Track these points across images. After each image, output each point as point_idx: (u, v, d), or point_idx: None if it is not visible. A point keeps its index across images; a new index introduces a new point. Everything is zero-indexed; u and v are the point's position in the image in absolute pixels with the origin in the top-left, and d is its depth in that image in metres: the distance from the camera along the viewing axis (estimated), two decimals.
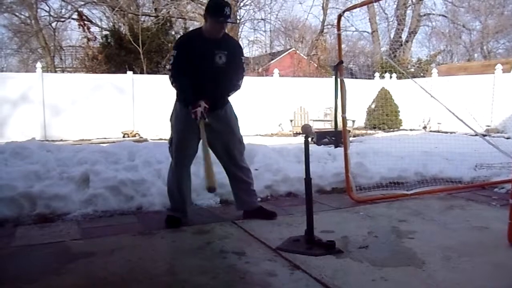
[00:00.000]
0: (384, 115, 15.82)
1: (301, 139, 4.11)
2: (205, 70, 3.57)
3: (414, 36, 28.63)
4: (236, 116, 3.85)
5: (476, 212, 4.06)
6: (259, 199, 4.51)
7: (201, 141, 3.54)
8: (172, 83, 3.62)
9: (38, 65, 14.31)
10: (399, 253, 2.98)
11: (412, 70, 21.82)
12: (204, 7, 22.62)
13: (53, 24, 24.95)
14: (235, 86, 3.71)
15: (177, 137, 3.72)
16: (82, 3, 22.82)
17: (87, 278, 2.62)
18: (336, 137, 4.28)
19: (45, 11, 24.88)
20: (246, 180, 3.90)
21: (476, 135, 5.44)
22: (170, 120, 3.80)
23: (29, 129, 12.72)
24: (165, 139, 4.02)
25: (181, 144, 3.71)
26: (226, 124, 3.75)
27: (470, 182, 5.35)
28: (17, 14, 25.40)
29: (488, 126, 13.66)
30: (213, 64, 3.56)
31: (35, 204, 3.99)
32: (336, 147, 4.35)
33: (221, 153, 3.83)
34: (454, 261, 2.80)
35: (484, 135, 7.34)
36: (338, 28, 5.02)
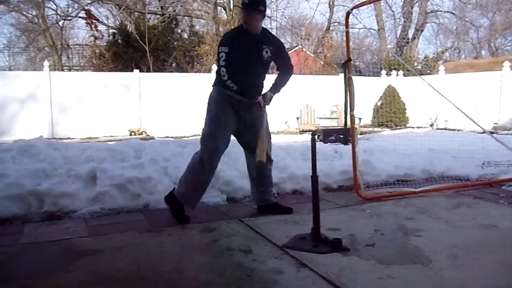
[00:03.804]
0: (391, 112, 15.75)
1: (307, 137, 4.12)
2: (253, 64, 3.73)
3: (421, 33, 28.53)
4: (266, 112, 3.96)
5: (484, 210, 4.04)
6: None
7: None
8: (226, 80, 3.63)
9: (46, 63, 14.38)
10: (406, 251, 2.97)
11: (419, 67, 21.71)
12: (209, 5, 22.49)
13: (60, 23, 25.07)
14: (284, 85, 3.92)
15: (211, 131, 3.71)
16: (89, 1, 22.94)
17: (94, 275, 2.63)
18: (345, 134, 4.28)
19: (52, 9, 25.00)
20: (267, 175, 4.02)
21: (483, 132, 5.41)
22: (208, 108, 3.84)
23: (37, 127, 12.79)
24: (171, 137, 4.03)
25: (216, 133, 3.71)
26: (261, 119, 3.87)
27: (477, 180, 5.32)
28: (24, 13, 25.52)
29: (496, 123, 13.57)
30: (261, 57, 3.75)
31: (43, 202, 4.02)
32: (345, 144, 4.34)
33: (251, 146, 3.88)
34: (461, 259, 2.79)
35: (492, 133, 7.29)
36: (347, 26, 4.99)
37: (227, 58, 3.60)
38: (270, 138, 4.03)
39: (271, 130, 4.06)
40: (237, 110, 3.76)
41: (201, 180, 3.80)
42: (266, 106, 3.86)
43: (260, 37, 3.78)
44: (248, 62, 3.70)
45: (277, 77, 3.93)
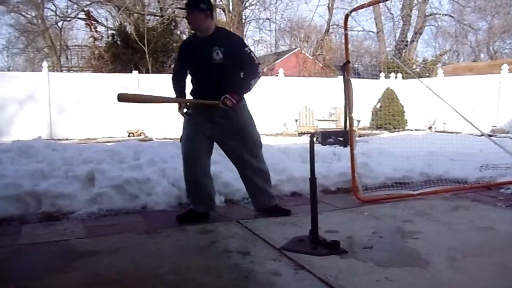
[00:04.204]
0: (389, 115, 15.77)
1: (306, 139, 4.12)
2: (204, 67, 3.65)
3: (420, 36, 28.59)
4: (250, 116, 3.85)
5: (482, 213, 4.04)
6: None
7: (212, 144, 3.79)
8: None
9: (44, 64, 14.38)
10: (404, 254, 2.97)
11: (418, 70, 21.74)
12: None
13: (60, 24, 25.11)
14: (248, 85, 3.68)
15: (184, 135, 3.80)
16: (88, 2, 22.95)
17: (92, 277, 2.62)
18: (344, 137, 4.28)
19: (52, 10, 25.05)
20: (256, 183, 3.89)
21: (482, 135, 5.42)
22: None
23: (35, 128, 12.78)
24: (170, 139, 4.06)
25: (187, 142, 3.76)
26: (237, 125, 3.75)
27: (475, 182, 5.32)
28: (23, 13, 25.57)
29: (494, 126, 13.59)
30: (211, 60, 3.59)
31: (41, 203, 4.01)
32: (345, 147, 4.34)
33: (232, 154, 3.85)
34: (459, 262, 2.79)
35: (490, 136, 7.31)
36: (345, 28, 5.00)
37: (174, 64, 3.70)
38: (254, 145, 3.86)
39: (270, 131, 4.04)
40: (208, 114, 3.70)
41: (188, 184, 3.86)
42: (246, 111, 3.79)
43: (211, 38, 3.64)
44: (199, 65, 3.67)
45: (241, 79, 3.74)
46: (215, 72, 3.63)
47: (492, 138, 6.08)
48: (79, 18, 24.20)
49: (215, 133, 3.75)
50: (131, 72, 15.37)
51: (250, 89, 3.70)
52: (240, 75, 3.74)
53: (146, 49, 18.32)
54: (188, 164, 3.77)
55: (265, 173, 3.96)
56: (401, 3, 27.71)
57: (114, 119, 13.97)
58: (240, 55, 3.65)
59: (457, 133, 12.87)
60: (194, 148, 3.75)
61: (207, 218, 3.84)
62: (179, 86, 3.87)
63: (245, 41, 3.94)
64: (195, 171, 3.78)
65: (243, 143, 3.78)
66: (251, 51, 3.75)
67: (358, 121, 13.36)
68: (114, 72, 17.33)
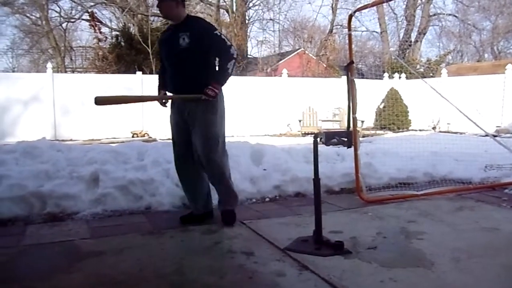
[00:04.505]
0: (393, 115, 15.73)
1: (309, 139, 4.11)
2: (171, 54, 3.62)
3: (424, 36, 28.53)
4: (217, 114, 3.61)
5: (486, 213, 4.03)
6: (267, 199, 4.56)
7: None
8: None
9: (49, 65, 14.43)
10: (408, 254, 2.97)
11: (422, 70, 21.69)
12: (212, 8, 22.49)
13: (64, 25, 25.18)
14: (225, 70, 3.49)
15: (172, 138, 3.83)
16: (92, 4, 23.02)
17: (96, 277, 2.63)
18: (348, 137, 4.26)
19: (56, 12, 25.16)
20: (208, 184, 3.85)
21: (486, 135, 5.40)
22: None
23: (40, 129, 12.82)
24: None
25: (173, 140, 3.82)
26: (201, 124, 3.56)
27: (480, 183, 5.31)
28: (28, 15, 25.64)
29: (499, 126, 13.54)
30: (178, 47, 3.51)
31: (45, 203, 4.03)
32: (348, 147, 4.34)
33: (196, 152, 3.68)
34: (464, 263, 2.78)
35: (494, 136, 7.28)
36: (349, 28, 5.00)
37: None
38: (211, 147, 3.59)
39: (273, 132, 4.02)
40: (180, 111, 3.65)
41: (182, 184, 3.89)
42: (213, 109, 3.57)
43: (180, 26, 3.57)
44: (168, 54, 3.65)
45: (218, 66, 3.59)
46: (182, 58, 3.53)
47: (497, 138, 6.06)
48: (83, 19, 24.32)
49: (189, 129, 3.65)
50: (135, 73, 15.40)
51: (229, 74, 3.51)
52: (214, 63, 3.63)
53: (150, 50, 18.37)
54: (175, 164, 3.83)
55: (222, 177, 3.73)
56: (405, 3, 27.69)
57: (118, 120, 13.99)
58: (209, 38, 3.51)
59: (461, 133, 12.84)
60: (183, 155, 3.75)
61: (211, 219, 3.84)
62: (160, 80, 3.83)
63: (215, 26, 3.86)
64: (186, 173, 3.80)
65: (199, 142, 3.58)
66: (221, 34, 3.63)
67: (362, 122, 13.32)
68: (118, 73, 17.37)
